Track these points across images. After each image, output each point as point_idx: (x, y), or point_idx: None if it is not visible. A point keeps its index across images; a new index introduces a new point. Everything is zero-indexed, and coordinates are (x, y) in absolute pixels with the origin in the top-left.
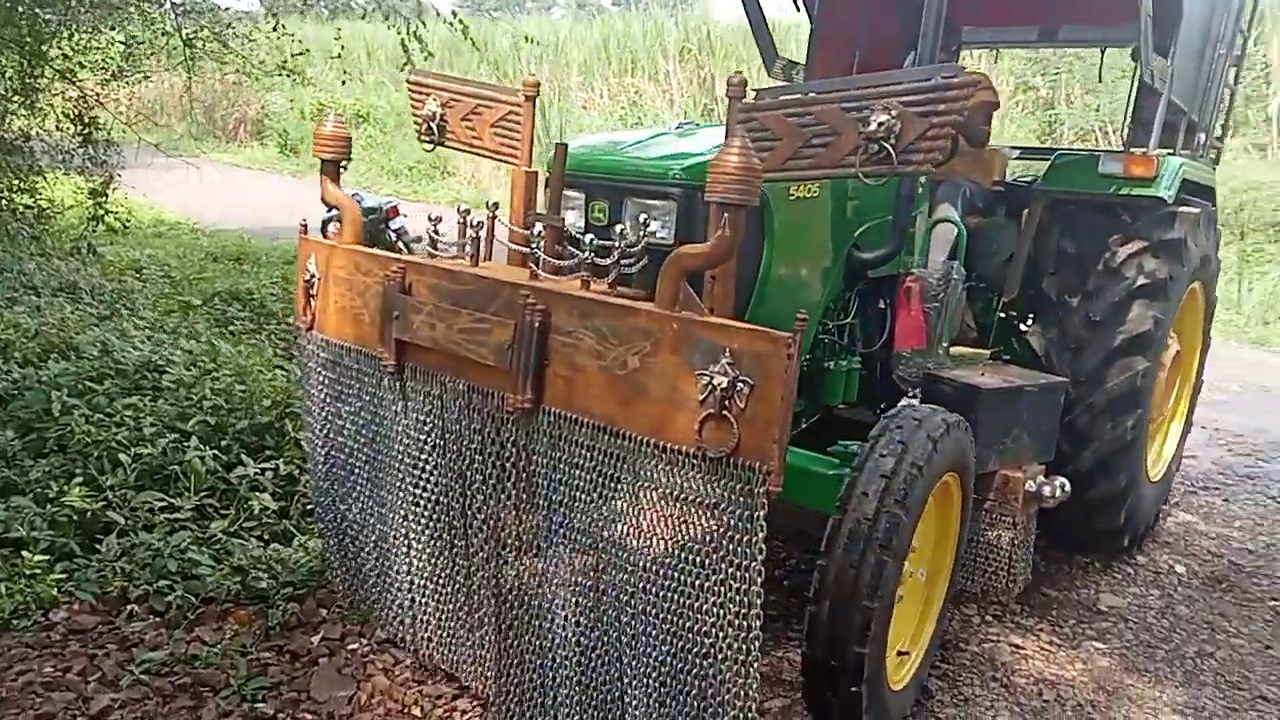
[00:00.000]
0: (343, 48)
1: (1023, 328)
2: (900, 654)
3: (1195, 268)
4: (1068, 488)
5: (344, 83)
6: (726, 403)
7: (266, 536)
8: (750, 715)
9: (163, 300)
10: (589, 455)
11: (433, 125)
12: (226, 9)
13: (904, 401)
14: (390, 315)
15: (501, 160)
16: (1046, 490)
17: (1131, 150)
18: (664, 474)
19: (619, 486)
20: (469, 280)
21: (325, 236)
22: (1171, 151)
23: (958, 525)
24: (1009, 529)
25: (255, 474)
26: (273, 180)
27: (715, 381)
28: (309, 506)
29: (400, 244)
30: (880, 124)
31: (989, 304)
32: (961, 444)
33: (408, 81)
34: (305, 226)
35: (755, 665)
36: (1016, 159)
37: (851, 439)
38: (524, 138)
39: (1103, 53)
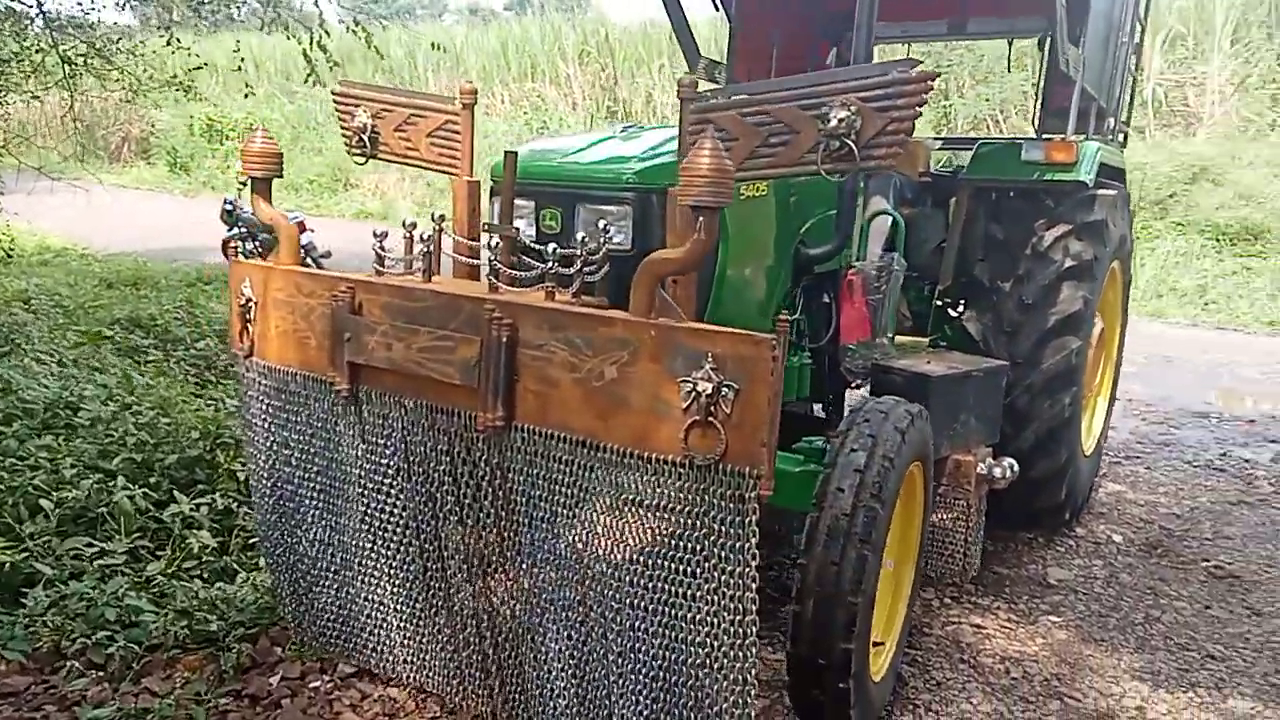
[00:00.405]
0: (243, 60)
1: (952, 313)
2: (875, 644)
3: (1115, 247)
4: (1016, 468)
5: (247, 95)
6: (712, 409)
7: (208, 575)
8: None
9: (57, 332)
10: (568, 471)
11: (364, 137)
12: (103, 23)
13: (861, 395)
14: (340, 337)
15: (440, 170)
16: (997, 472)
17: (1050, 137)
18: (649, 485)
19: (601, 501)
20: (425, 297)
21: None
22: (1086, 137)
23: (921, 513)
24: (963, 512)
25: (190, 510)
26: (163, 201)
27: (699, 388)
28: (251, 540)
29: (309, 260)
30: (841, 120)
31: (921, 292)
32: (924, 433)
33: (334, 94)
34: (235, 249)
35: (753, 672)
36: (939, 149)
37: (807, 434)
38: (464, 147)
39: (1010, 44)
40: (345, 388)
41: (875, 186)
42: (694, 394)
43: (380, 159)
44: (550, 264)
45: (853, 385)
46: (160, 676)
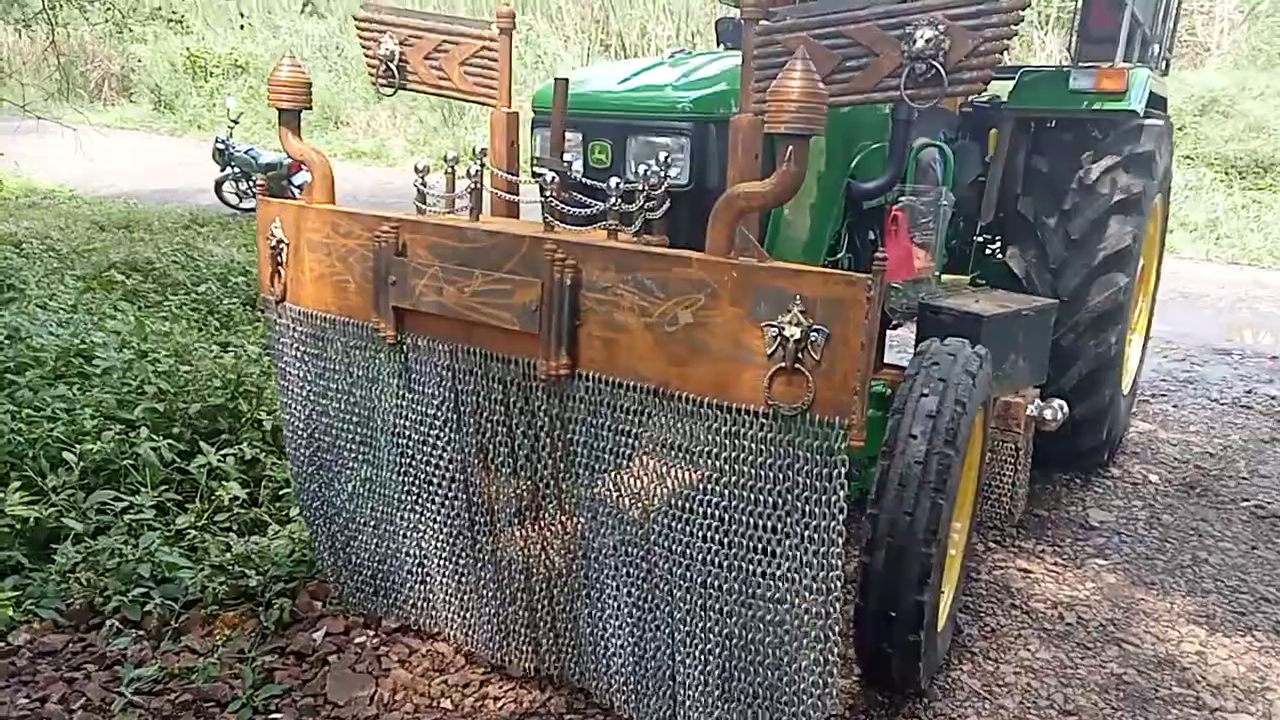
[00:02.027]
0: None
1: (989, 249)
2: None
3: (1161, 180)
4: (1066, 409)
5: (242, 26)
6: (799, 355)
7: (238, 528)
8: (831, 682)
9: (53, 277)
10: (637, 421)
11: (390, 67)
12: None
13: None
14: (385, 281)
15: (476, 101)
16: (1048, 414)
17: (1095, 65)
18: (728, 437)
19: (673, 452)
20: (478, 236)
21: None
22: (1133, 65)
23: (979, 457)
24: (1011, 455)
25: (217, 461)
26: (149, 140)
27: (786, 333)
28: (282, 491)
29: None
30: (928, 41)
31: (958, 228)
32: (989, 375)
33: (356, 19)
34: (265, 186)
35: (837, 630)
36: None
37: None
38: (502, 76)
39: None
40: (390, 334)
41: (925, 115)
42: (780, 339)
43: (409, 89)
44: (614, 200)
45: (894, 325)
46: (200, 634)
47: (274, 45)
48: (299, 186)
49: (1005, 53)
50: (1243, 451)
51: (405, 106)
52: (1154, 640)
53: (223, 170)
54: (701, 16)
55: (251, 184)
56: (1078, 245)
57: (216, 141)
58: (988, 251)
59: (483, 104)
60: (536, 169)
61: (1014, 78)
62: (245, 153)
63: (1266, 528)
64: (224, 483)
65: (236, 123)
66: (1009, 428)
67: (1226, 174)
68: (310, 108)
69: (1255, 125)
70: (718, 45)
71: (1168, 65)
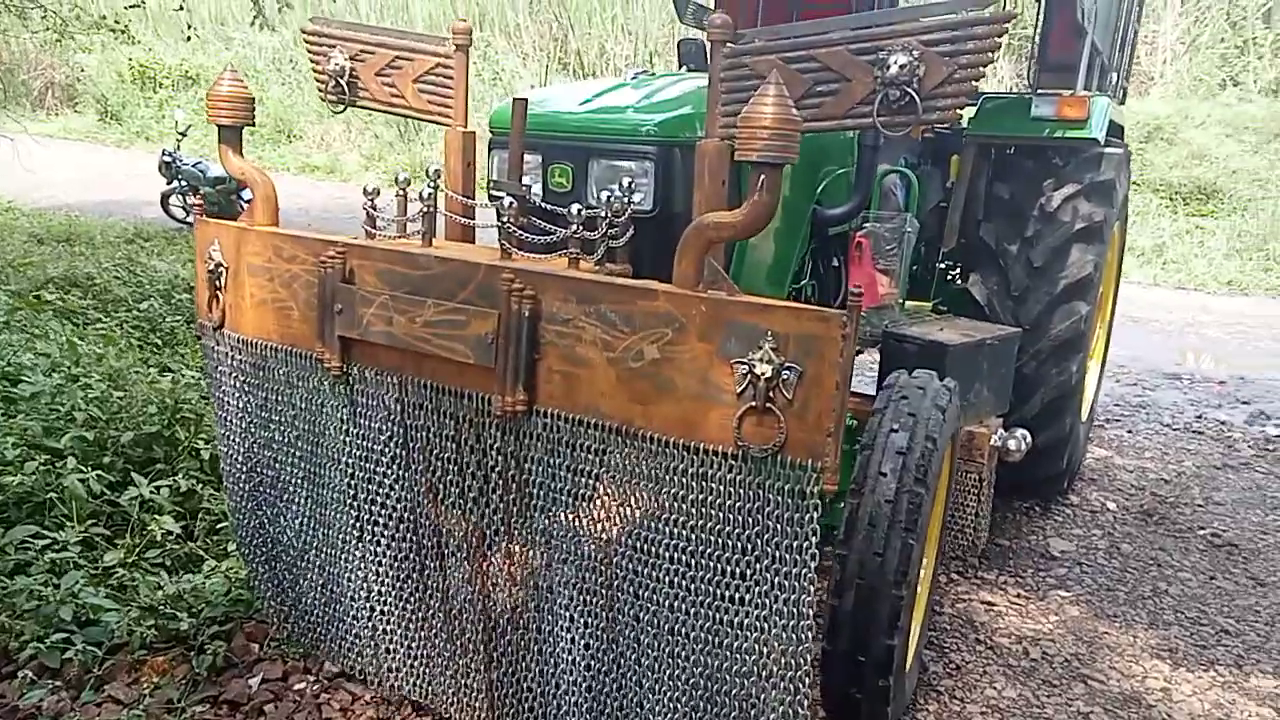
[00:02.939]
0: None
1: (951, 276)
2: None
3: (1120, 207)
4: (1029, 439)
5: (189, 38)
6: (771, 394)
7: (171, 565)
8: None
9: None
10: (597, 461)
11: (340, 82)
12: None
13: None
14: (330, 309)
15: (431, 120)
16: (1011, 444)
17: (1056, 92)
18: (695, 478)
19: (636, 494)
20: (430, 263)
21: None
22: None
23: (945, 490)
24: (974, 486)
25: (150, 494)
26: (95, 151)
27: (758, 370)
28: (219, 525)
29: None
30: (902, 66)
31: (920, 255)
32: (958, 408)
33: (304, 32)
34: (202, 207)
35: (807, 682)
36: None
37: None
38: (458, 94)
39: None
40: (336, 365)
41: (889, 141)
42: (750, 377)
43: (360, 106)
44: (575, 227)
45: (858, 351)
46: (125, 682)
47: (226, 57)
48: (248, 201)
49: (980, 80)
50: (1196, 478)
51: (360, 121)
52: (1119, 676)
53: (169, 183)
54: (660, 37)
55: (199, 198)
56: (1040, 273)
57: (163, 154)
58: (949, 278)
59: (437, 123)
60: (494, 192)
61: (976, 104)
62: (193, 166)
63: (1223, 557)
64: (157, 516)
65: (184, 135)
66: (973, 458)
67: (1171, 200)
68: (252, 124)
69: (1198, 153)
70: (680, 67)
71: (1124, 94)
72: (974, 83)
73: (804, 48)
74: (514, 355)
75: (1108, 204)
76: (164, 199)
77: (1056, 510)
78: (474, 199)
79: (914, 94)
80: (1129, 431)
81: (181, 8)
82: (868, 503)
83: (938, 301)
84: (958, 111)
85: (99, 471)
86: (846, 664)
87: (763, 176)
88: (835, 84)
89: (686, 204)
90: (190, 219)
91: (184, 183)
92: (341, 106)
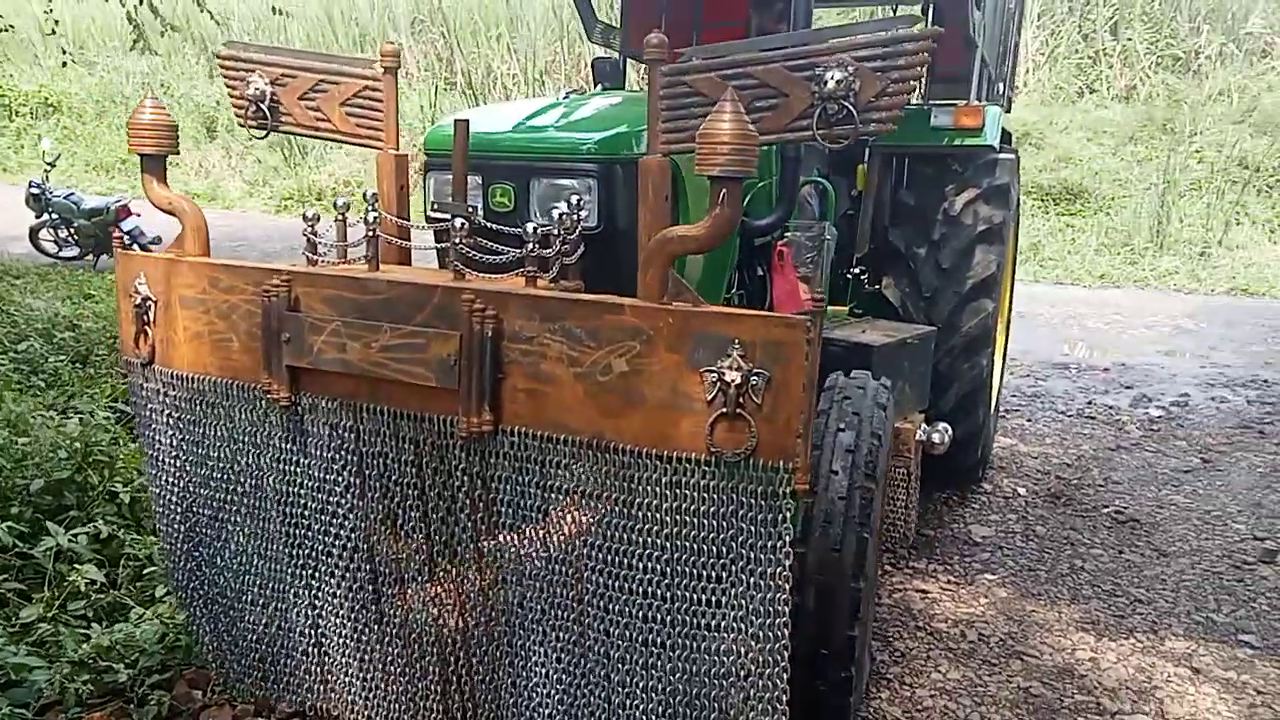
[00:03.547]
0: (56, 23)
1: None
2: None
3: (1014, 209)
4: (951, 432)
5: (65, 64)
6: (741, 400)
7: (92, 615)
8: None
9: None
10: (567, 476)
11: (261, 107)
12: None
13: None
14: (277, 339)
15: (360, 144)
16: (935, 438)
17: (951, 103)
18: (667, 487)
19: (606, 506)
20: (382, 288)
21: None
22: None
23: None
24: (903, 480)
25: (68, 543)
26: None
27: (727, 378)
28: (146, 571)
29: (136, 247)
30: (839, 82)
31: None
32: (894, 404)
33: (219, 57)
34: (122, 240)
35: (785, 678)
36: None
37: None
38: (388, 117)
39: (895, 10)
40: (284, 396)
41: (806, 154)
42: (720, 384)
43: (284, 131)
44: (531, 245)
45: None
46: None
47: (89, 83)
48: (128, 233)
49: (912, 92)
50: (1094, 460)
51: (240, 146)
52: (1051, 650)
53: (39, 216)
54: (547, 55)
55: (73, 231)
56: (948, 274)
57: (31, 185)
58: (862, 282)
59: (367, 146)
60: (435, 214)
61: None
62: (65, 198)
63: (1128, 532)
64: (77, 566)
65: (53, 165)
66: (900, 453)
67: (1043, 200)
68: (176, 151)
69: (1063, 156)
70: (595, 85)
71: (1010, 103)
72: (906, 95)
73: (741, 64)
74: (478, 376)
75: (1005, 206)
76: (33, 233)
77: (972, 498)
78: (409, 221)
79: (851, 107)
80: (1028, 420)
81: (54, 31)
82: (822, 501)
83: (853, 305)
84: (893, 123)
85: (8, 523)
86: (809, 659)
87: (724, 191)
88: (774, 99)
89: (629, 221)
90: (64, 253)
91: (55, 215)
92: (264, 132)
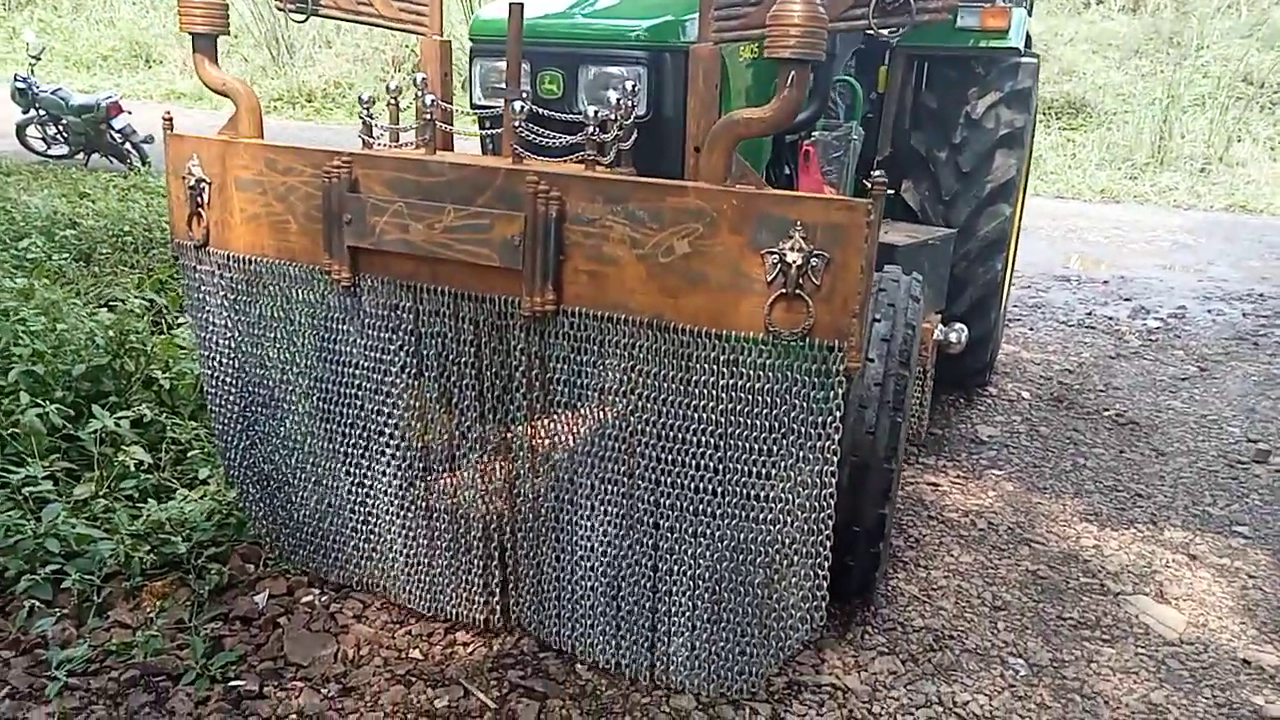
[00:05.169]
0: None
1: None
2: None
3: (1034, 113)
4: (966, 332)
5: None
6: (800, 281)
7: (138, 496)
8: (821, 596)
9: None
10: (626, 355)
11: None
12: None
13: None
14: (339, 220)
15: (404, 29)
16: (953, 337)
17: (983, 4)
18: (726, 365)
19: (664, 384)
20: (444, 170)
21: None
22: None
23: None
24: (919, 377)
25: (113, 425)
26: None
27: (788, 259)
28: (188, 454)
29: (128, 145)
30: None
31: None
32: (923, 298)
33: None
34: (170, 120)
35: (828, 547)
36: None
37: None
38: (432, 2)
39: None
40: (345, 276)
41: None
42: (780, 266)
43: (323, 15)
44: (592, 129)
45: None
46: (127, 608)
47: None
48: (119, 131)
49: None
50: (1095, 367)
51: (225, 43)
52: (1056, 539)
53: (25, 112)
54: None
55: (62, 128)
56: (968, 178)
57: (16, 80)
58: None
59: (411, 32)
60: (486, 99)
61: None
62: (53, 93)
63: (1128, 433)
64: (121, 448)
65: (38, 59)
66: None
67: (1045, 114)
68: (227, 31)
69: (1067, 69)
70: None
71: (1031, 5)
72: None
73: None
74: (541, 256)
75: (1026, 110)
76: (19, 129)
77: (978, 401)
78: (452, 106)
79: None
80: (1030, 329)
81: None
82: (858, 386)
83: None
84: (947, 12)
85: (58, 406)
86: (842, 535)
87: (792, 73)
88: None
89: (676, 108)
90: (53, 151)
91: (43, 112)
92: (303, 16)
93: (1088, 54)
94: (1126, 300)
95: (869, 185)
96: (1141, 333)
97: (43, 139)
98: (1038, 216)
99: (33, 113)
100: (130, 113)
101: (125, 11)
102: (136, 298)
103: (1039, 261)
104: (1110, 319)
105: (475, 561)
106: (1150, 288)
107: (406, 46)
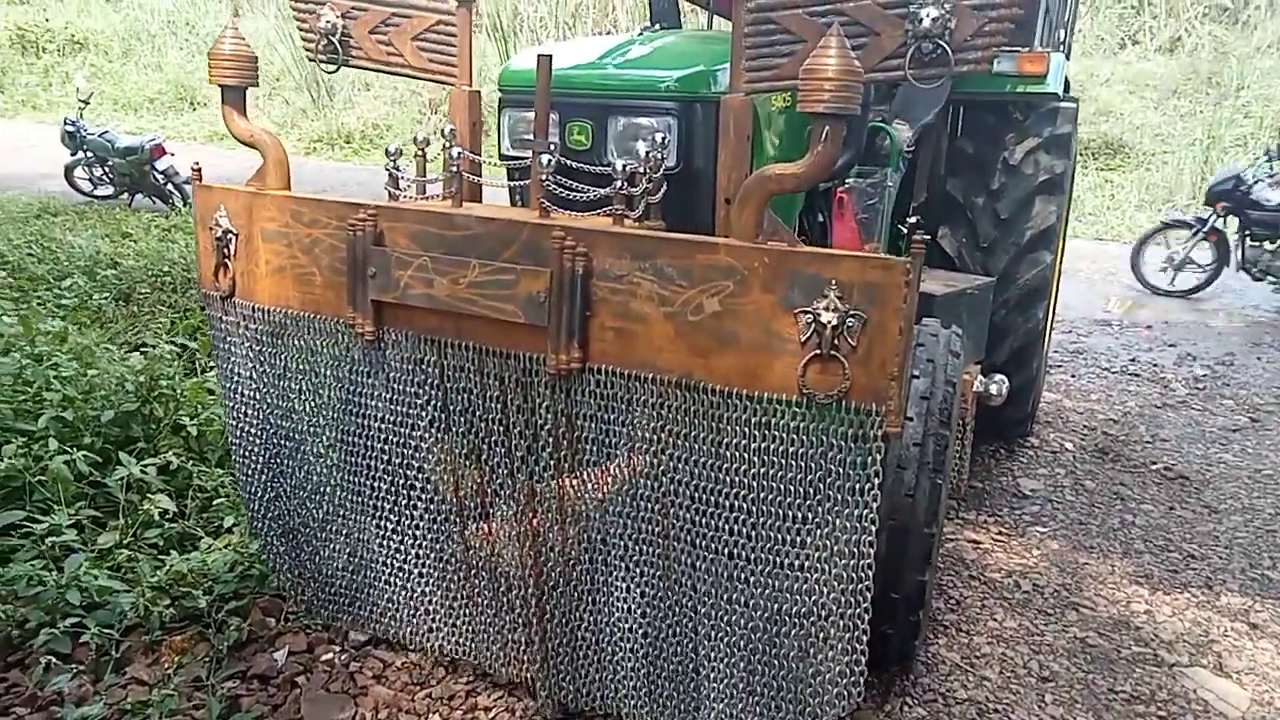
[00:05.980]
0: None
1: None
2: None
3: (1074, 159)
4: (1007, 384)
5: None
6: (836, 341)
7: (162, 545)
8: (859, 670)
9: None
10: (655, 415)
11: (332, 40)
12: None
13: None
14: (363, 273)
15: (433, 80)
16: (993, 389)
17: (1019, 49)
18: (758, 427)
19: (695, 445)
20: (470, 224)
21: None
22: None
23: None
24: (959, 430)
25: (139, 473)
26: None
27: (823, 319)
28: (214, 502)
29: (171, 186)
30: (935, 20)
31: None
32: (963, 353)
33: None
34: (199, 172)
35: (866, 619)
36: None
37: None
38: (462, 52)
39: None
40: (369, 330)
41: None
42: (814, 326)
43: (354, 66)
44: (620, 183)
45: None
46: (145, 663)
47: (115, 20)
48: (163, 172)
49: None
50: (1141, 417)
51: (267, 86)
52: (1106, 603)
53: (74, 154)
54: None
55: (108, 170)
56: (1006, 225)
57: (66, 123)
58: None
59: (440, 83)
60: (514, 151)
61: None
62: (100, 136)
63: (1178, 488)
64: (150, 496)
65: (87, 103)
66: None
67: (1082, 155)
68: (256, 84)
69: (1103, 109)
70: (651, 23)
71: (1069, 50)
72: (1003, 35)
73: (832, 1)
74: (567, 313)
75: (1065, 156)
76: (68, 171)
77: (1020, 452)
78: (481, 157)
79: (946, 46)
80: (1072, 376)
81: None
82: (896, 446)
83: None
84: (988, 63)
85: (85, 453)
86: (880, 602)
87: (827, 128)
88: (864, 38)
89: (706, 160)
90: (99, 191)
91: (90, 153)
92: (334, 67)
93: (1124, 94)
94: (1171, 346)
95: (904, 231)
96: (1188, 380)
97: (89, 180)
98: (1077, 259)
99: (80, 155)
100: (173, 154)
101: (172, 56)
102: (168, 342)
103: (1079, 304)
104: (1155, 365)
105: (514, 616)
106: (1195, 332)
107: (445, 89)
